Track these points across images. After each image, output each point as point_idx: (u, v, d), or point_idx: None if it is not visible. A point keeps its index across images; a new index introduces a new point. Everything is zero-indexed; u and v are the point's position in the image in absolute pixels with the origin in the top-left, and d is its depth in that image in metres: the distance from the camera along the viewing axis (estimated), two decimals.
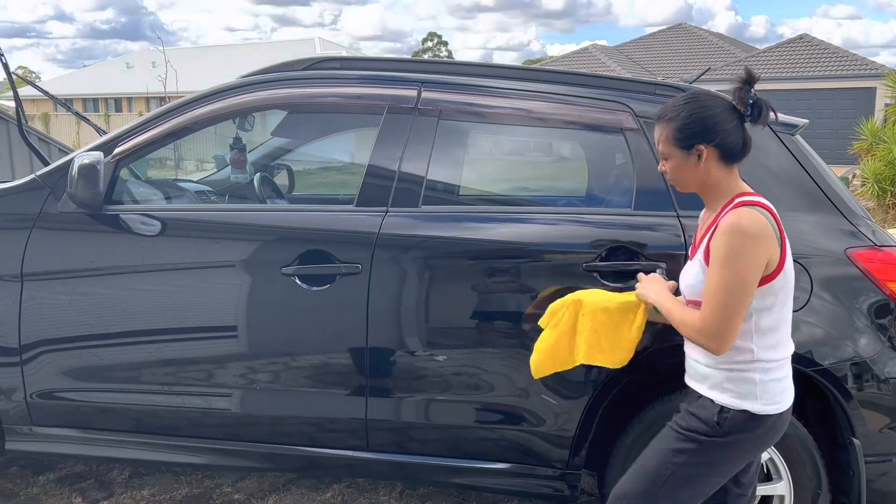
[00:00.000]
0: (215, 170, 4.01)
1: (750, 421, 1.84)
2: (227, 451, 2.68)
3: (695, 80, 3.36)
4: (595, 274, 2.43)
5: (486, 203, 3.18)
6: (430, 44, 63.15)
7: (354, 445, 2.61)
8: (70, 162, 2.58)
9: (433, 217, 2.55)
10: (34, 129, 8.27)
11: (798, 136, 2.65)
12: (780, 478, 2.40)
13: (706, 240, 1.87)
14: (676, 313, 1.89)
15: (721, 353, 1.82)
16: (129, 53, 48.47)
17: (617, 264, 2.43)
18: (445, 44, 64.76)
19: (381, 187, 2.57)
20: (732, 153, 1.87)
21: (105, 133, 3.03)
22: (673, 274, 2.19)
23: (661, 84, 2.70)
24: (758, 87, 1.90)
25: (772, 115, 1.87)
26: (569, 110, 2.62)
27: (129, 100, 38.36)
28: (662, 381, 2.49)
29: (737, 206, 1.82)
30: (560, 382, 2.47)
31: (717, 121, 1.85)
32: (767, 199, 1.85)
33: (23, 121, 3.34)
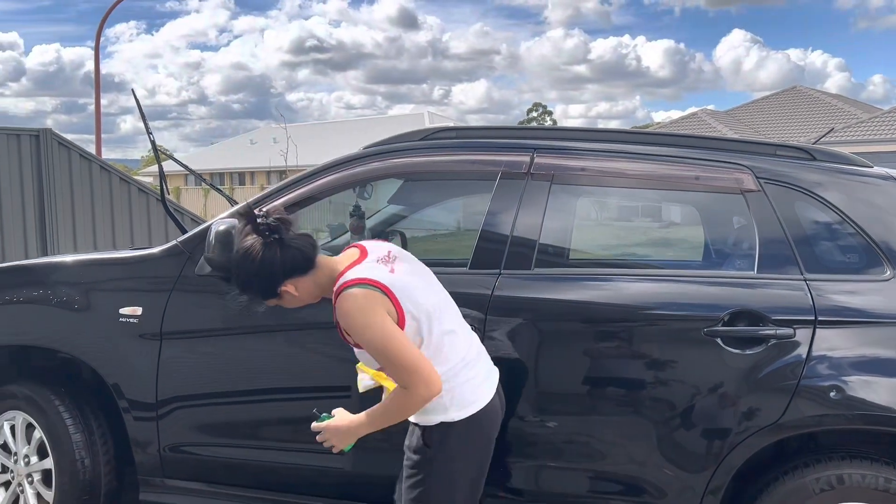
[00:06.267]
0: (328, 238, 4.19)
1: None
2: None
3: (817, 141, 3.25)
4: (718, 339, 2.35)
5: (598, 265, 3.16)
6: (534, 114, 64.07)
7: None
8: (207, 229, 2.79)
9: (546, 279, 2.56)
10: (171, 201, 8.99)
11: None
12: None
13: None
14: (380, 415, 2.01)
15: (438, 391, 1.93)
16: (254, 130, 51.99)
17: (741, 329, 2.34)
18: (550, 113, 65.51)
19: (494, 250, 2.61)
20: (303, 267, 1.95)
21: (236, 203, 3.25)
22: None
23: (781, 145, 2.63)
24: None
25: (287, 220, 1.96)
26: (686, 172, 2.59)
27: (252, 174, 41.02)
28: (790, 455, 2.34)
29: (336, 294, 1.95)
30: (681, 454, 2.36)
31: (265, 263, 1.91)
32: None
33: (166, 193, 3.65)
